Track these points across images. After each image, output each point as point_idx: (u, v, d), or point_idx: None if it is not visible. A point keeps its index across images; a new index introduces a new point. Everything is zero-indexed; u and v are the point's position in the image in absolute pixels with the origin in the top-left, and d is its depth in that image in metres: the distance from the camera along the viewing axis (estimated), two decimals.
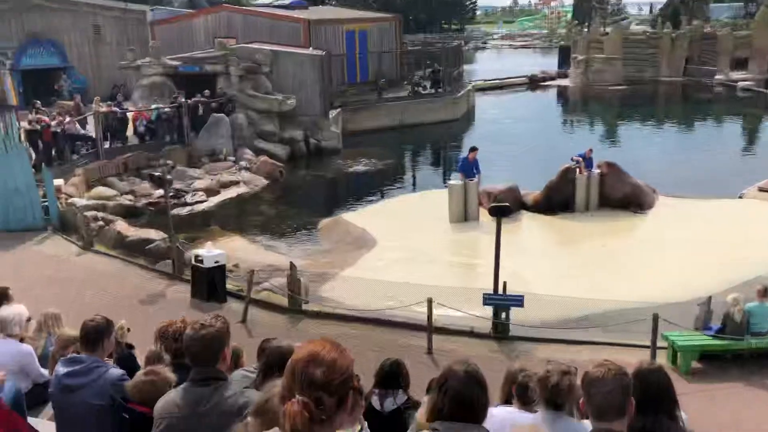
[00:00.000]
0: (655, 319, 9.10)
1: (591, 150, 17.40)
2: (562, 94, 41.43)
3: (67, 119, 19.97)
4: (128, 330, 6.58)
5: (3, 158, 15.44)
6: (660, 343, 9.22)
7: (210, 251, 12.03)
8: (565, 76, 43.92)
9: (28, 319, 6.09)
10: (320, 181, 22.44)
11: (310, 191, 21.42)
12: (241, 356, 5.13)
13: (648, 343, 9.19)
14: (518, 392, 3.86)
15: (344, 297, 11.91)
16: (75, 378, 4.23)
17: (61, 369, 4.30)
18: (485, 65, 52.77)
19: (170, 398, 2.99)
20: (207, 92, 23.37)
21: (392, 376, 4.84)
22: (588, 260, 13.78)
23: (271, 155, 22.48)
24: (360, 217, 17.34)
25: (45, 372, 5.89)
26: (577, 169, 16.62)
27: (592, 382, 2.59)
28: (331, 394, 1.76)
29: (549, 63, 49.81)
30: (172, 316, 5.33)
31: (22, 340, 5.89)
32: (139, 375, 3.46)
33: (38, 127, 18.54)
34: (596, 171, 16.78)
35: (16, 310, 5.94)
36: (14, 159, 15.53)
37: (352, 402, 1.85)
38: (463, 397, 2.53)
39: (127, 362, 5.32)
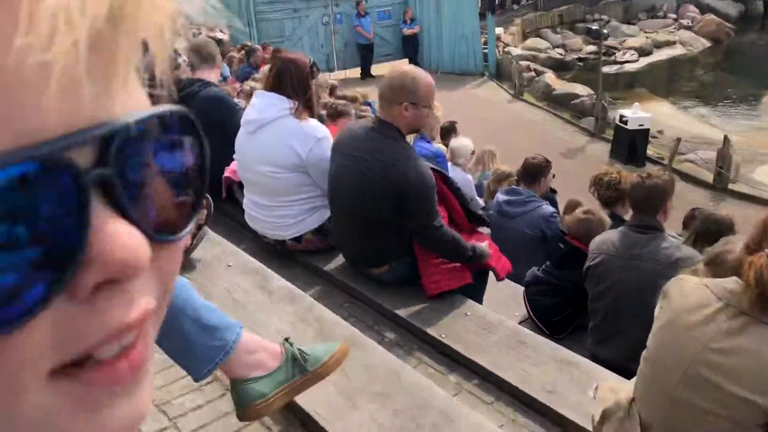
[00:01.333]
0: None
1: None
2: None
3: None
4: (553, 176, 7.03)
5: (455, 5, 16.93)
6: None
7: (636, 113, 11.69)
8: None
9: (472, 153, 6.93)
10: None
11: (759, 58, 18.64)
12: None
13: None
14: None
15: None
16: (512, 207, 4.79)
17: (501, 197, 4.90)
18: None
19: (607, 237, 3.21)
20: None
21: None
22: None
23: (719, 14, 20.00)
24: None
25: (480, 200, 6.75)
26: None
27: None
28: None
29: None
30: (588, 171, 5.47)
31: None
32: (578, 213, 3.75)
33: None
34: None
35: (463, 142, 6.78)
36: (464, 6, 16.90)
37: None
38: None
39: (551, 203, 5.74)
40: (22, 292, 0.27)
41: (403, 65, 3.22)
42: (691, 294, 1.89)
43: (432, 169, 3.23)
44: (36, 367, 0.28)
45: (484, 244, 3.24)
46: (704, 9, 20.22)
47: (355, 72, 16.99)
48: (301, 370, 1.70)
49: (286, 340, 1.77)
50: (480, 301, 3.39)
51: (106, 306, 0.30)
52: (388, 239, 3.15)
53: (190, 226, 0.35)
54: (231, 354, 1.62)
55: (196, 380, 1.72)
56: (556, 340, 3.62)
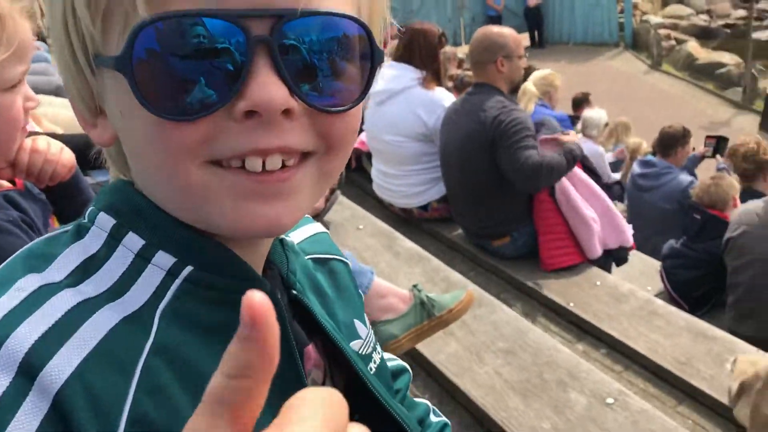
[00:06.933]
0: None
1: None
2: None
3: None
4: (693, 149, 6.64)
5: None
6: None
7: None
8: None
9: (606, 125, 6.69)
10: None
11: None
12: None
13: None
14: None
15: None
16: (647, 180, 4.60)
17: (636, 169, 4.73)
18: None
19: (750, 207, 3.04)
20: None
21: None
22: None
23: None
24: None
25: (613, 174, 6.51)
26: None
27: None
28: None
29: None
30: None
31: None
32: (705, 180, 3.58)
33: None
34: None
35: (597, 113, 6.56)
36: None
37: None
38: None
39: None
40: (201, 99, 0.43)
41: (488, 28, 3.24)
42: None
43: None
44: (195, 151, 0.44)
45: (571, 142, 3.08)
46: None
47: None
48: (429, 314, 1.78)
49: (415, 286, 1.85)
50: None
51: (252, 129, 0.44)
52: (503, 206, 3.13)
53: (346, 107, 0.47)
54: (363, 297, 1.73)
55: None
56: (696, 315, 3.48)
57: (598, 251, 3.10)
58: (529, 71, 4.51)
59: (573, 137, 3.08)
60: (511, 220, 3.19)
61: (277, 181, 0.45)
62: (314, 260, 0.67)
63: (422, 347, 1.93)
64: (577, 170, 3.17)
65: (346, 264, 0.72)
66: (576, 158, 2.99)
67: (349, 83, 0.48)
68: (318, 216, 2.98)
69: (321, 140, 0.47)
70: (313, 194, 0.50)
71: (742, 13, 16.24)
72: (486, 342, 2.15)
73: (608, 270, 3.35)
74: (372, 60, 0.48)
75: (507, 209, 3.15)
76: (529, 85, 4.38)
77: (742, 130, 11.17)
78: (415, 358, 2.12)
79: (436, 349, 2.05)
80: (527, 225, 3.20)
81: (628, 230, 3.20)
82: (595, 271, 3.15)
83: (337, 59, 0.46)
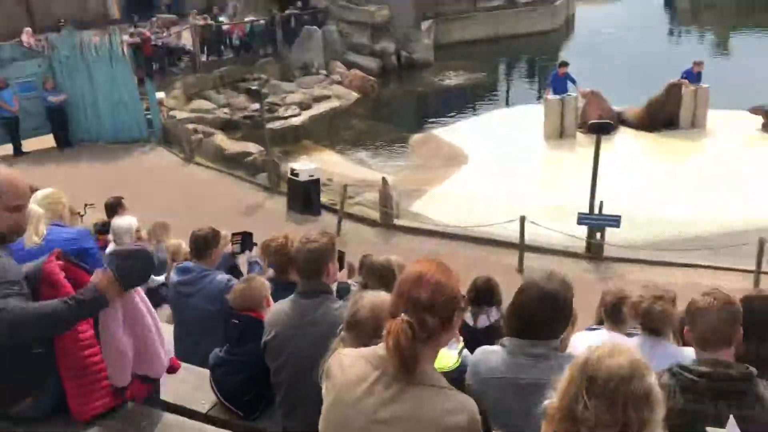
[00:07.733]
0: (761, 243, 8.67)
1: (699, 63, 16.08)
2: (670, 1, 38.41)
3: (165, 33, 20.46)
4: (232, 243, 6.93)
5: (108, 72, 16.08)
6: (766, 268, 8.82)
7: (304, 165, 12.31)
8: None
9: (137, 230, 6.52)
10: (411, 96, 22.15)
11: (402, 106, 21.24)
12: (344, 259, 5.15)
13: (752, 268, 8.81)
14: (610, 313, 3.87)
15: (435, 213, 12.01)
16: (187, 286, 4.53)
17: (174, 277, 4.63)
18: None
19: (280, 308, 3.16)
20: (299, 4, 23.25)
21: (486, 294, 4.90)
22: (693, 179, 13.07)
23: (363, 68, 22.29)
24: (451, 132, 17.12)
25: (156, 278, 6.34)
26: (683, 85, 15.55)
27: (697, 311, 2.52)
28: (434, 315, 1.81)
29: None
30: (270, 228, 5.51)
31: None
32: (237, 284, 3.70)
33: (139, 40, 19.12)
34: (705, 85, 15.61)
35: (127, 221, 6.37)
36: (119, 72, 16.15)
37: (456, 322, 1.90)
38: (530, 316, 2.41)
39: (234, 271, 5.62)
40: None
41: None
42: (350, 367, 1.88)
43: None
44: None
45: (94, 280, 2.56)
46: (350, 65, 22.35)
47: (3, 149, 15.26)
48: None
49: None
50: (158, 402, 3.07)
51: None
52: (9, 366, 2.59)
53: None
54: None
55: None
56: (252, 418, 3.47)
57: (127, 379, 2.78)
58: (32, 191, 4.03)
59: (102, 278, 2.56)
60: (27, 379, 2.66)
61: None
62: None
63: None
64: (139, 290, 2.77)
65: None
66: (84, 304, 2.49)
67: None
68: None
69: None
70: None
71: (256, 105, 18.13)
72: None
73: (156, 395, 3.10)
74: None
75: (16, 369, 2.59)
76: (34, 207, 3.92)
77: (275, 210, 12.36)
78: None
79: None
80: (50, 375, 2.69)
81: (163, 361, 2.99)
82: (143, 410, 2.87)
83: None
